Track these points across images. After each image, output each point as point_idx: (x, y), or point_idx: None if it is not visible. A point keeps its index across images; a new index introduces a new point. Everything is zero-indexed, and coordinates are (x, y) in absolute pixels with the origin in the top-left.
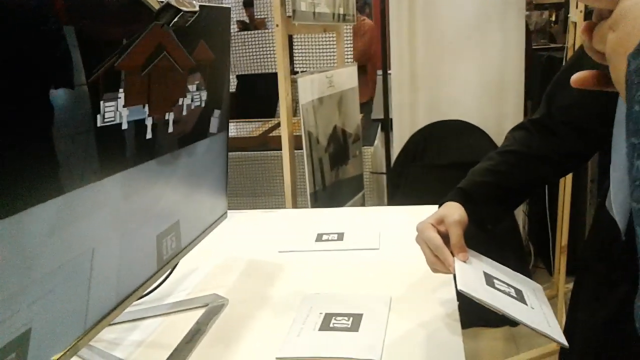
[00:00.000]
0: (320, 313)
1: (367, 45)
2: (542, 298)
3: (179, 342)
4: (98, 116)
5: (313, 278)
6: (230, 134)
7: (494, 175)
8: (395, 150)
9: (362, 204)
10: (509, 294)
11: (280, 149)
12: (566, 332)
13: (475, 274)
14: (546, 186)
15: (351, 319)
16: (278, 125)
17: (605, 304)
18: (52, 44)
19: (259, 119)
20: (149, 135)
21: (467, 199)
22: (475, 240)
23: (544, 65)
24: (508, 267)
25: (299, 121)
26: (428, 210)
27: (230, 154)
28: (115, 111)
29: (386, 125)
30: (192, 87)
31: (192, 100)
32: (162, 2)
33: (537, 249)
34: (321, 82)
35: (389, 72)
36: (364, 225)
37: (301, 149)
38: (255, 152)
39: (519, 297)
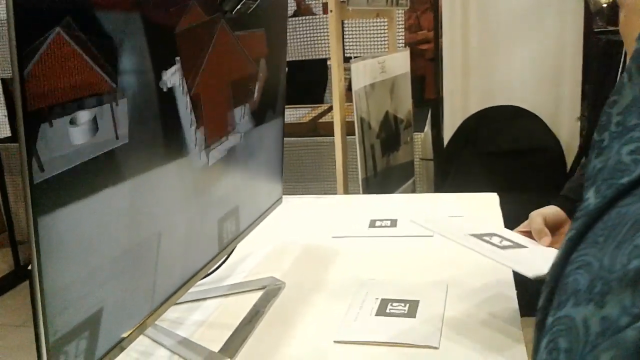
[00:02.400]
0: (377, 298)
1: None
2: None
3: (239, 322)
4: (168, 105)
5: (367, 264)
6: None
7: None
8: (447, 136)
9: (413, 190)
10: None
11: (331, 135)
12: None
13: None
14: None
15: (408, 305)
16: (327, 111)
17: None
18: (124, 35)
19: (308, 105)
20: (219, 124)
21: (565, 201)
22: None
23: (602, 49)
24: None
25: (350, 107)
26: (481, 198)
27: None
28: (183, 99)
29: (436, 110)
30: (254, 74)
31: (254, 88)
32: None
33: None
34: (373, 67)
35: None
36: (417, 212)
37: (352, 135)
38: (305, 138)
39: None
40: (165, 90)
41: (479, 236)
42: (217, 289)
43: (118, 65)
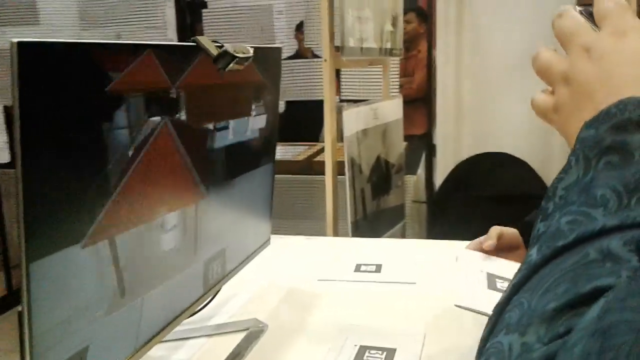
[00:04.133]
0: (355, 345)
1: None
2: None
3: None
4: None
5: (350, 308)
6: (276, 156)
7: None
8: (439, 180)
9: (403, 233)
10: None
11: (324, 174)
12: None
13: (477, 279)
14: None
15: (385, 353)
16: (323, 150)
17: None
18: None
19: (305, 143)
20: (207, 167)
21: (527, 228)
22: None
23: None
24: None
25: (342, 148)
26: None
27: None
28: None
29: (429, 154)
30: (247, 121)
31: (246, 134)
32: (219, 47)
33: None
34: (366, 114)
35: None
36: (402, 258)
37: (343, 175)
38: (299, 176)
39: None
40: (153, 141)
41: (493, 277)
42: (201, 329)
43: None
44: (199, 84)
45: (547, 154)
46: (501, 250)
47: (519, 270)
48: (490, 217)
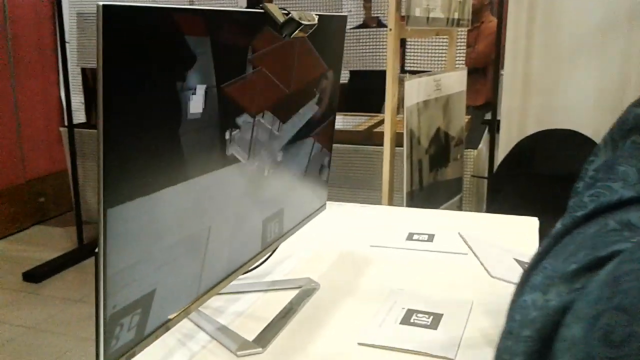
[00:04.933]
0: (403, 308)
1: (490, 47)
2: None
3: (274, 317)
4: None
5: (400, 274)
6: (337, 126)
7: None
8: (500, 155)
9: (459, 207)
10: None
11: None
12: None
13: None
14: None
15: (432, 317)
16: (383, 121)
17: None
18: (195, 53)
19: (366, 114)
20: (273, 132)
21: None
22: None
23: None
24: None
25: (402, 119)
26: (525, 222)
27: (335, 145)
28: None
29: (493, 128)
30: (312, 88)
31: (310, 101)
32: (286, 14)
33: None
34: (428, 85)
35: (501, 73)
36: (456, 230)
37: (402, 146)
38: (358, 146)
39: None
40: (229, 102)
41: (522, 263)
42: (257, 284)
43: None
44: (269, 48)
45: None
46: None
47: (545, 237)
48: (551, 196)
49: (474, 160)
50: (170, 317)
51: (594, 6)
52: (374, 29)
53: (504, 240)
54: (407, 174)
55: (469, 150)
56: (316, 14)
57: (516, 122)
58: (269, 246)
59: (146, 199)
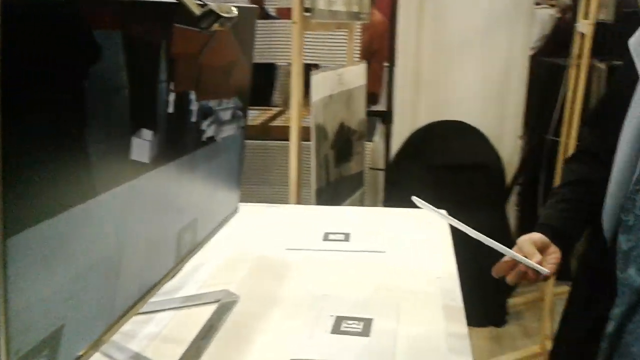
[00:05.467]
0: (331, 315)
1: (373, 40)
2: None
3: (193, 338)
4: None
5: (321, 278)
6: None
7: (563, 204)
8: (395, 147)
9: (361, 201)
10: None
11: (281, 139)
12: (557, 335)
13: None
14: (538, 184)
15: (362, 323)
16: (278, 115)
17: (587, 318)
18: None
19: (260, 107)
20: (185, 135)
21: (544, 228)
22: (463, 238)
23: (546, 71)
24: (493, 261)
25: (303, 113)
26: (432, 215)
27: None
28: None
29: (389, 121)
30: (225, 87)
31: (220, 103)
32: (203, 5)
33: None
34: (332, 79)
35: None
36: (370, 227)
37: (305, 141)
38: (255, 141)
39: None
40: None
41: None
42: (171, 301)
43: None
44: (184, 42)
45: (500, 122)
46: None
47: (620, 293)
48: (445, 186)
49: (371, 153)
50: (81, 352)
51: (479, 2)
52: (269, 21)
53: (420, 234)
54: (315, 171)
55: (365, 142)
56: (233, 6)
57: (409, 115)
58: (182, 260)
59: (51, 222)
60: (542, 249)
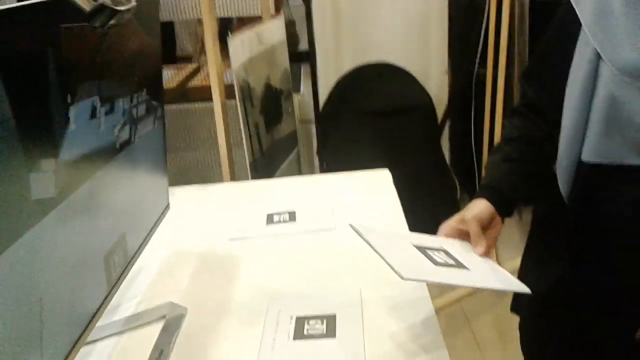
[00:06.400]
0: (291, 317)
1: None
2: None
3: None
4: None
5: (272, 272)
6: (164, 114)
7: (508, 163)
8: (322, 96)
9: (298, 161)
10: (447, 264)
11: (201, 100)
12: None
13: (409, 253)
14: (472, 113)
15: (325, 321)
16: (195, 73)
17: (547, 275)
18: None
19: (173, 65)
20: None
21: (492, 192)
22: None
23: (467, 2)
24: (435, 199)
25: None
26: (374, 175)
27: None
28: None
29: (314, 71)
30: (133, 82)
31: (132, 100)
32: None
33: (462, 182)
34: (251, 40)
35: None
36: (313, 199)
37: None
38: (174, 105)
39: (458, 264)
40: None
41: (423, 248)
42: (110, 326)
43: None
44: (70, 48)
45: (425, 61)
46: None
47: None
48: (379, 131)
49: (299, 105)
50: None
51: None
52: None
53: (367, 201)
54: (246, 144)
55: (293, 94)
56: None
57: (332, 62)
58: (116, 283)
59: None
60: (487, 225)
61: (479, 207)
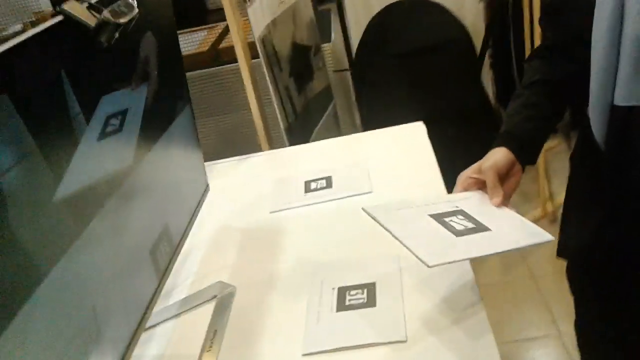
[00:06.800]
0: (333, 288)
1: None
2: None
3: (199, 351)
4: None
5: (313, 241)
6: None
7: (528, 109)
8: (354, 42)
9: (335, 114)
10: (468, 230)
11: (235, 62)
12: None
13: (429, 230)
14: (512, 49)
15: (365, 291)
16: (225, 32)
17: (588, 220)
18: None
19: (204, 27)
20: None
21: (510, 140)
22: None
23: None
24: (482, 138)
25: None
26: (408, 130)
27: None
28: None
29: (342, 17)
30: (148, 83)
31: (152, 95)
32: (94, 8)
33: None
34: (271, 2)
35: None
36: (349, 161)
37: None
38: (208, 69)
39: (479, 226)
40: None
41: (440, 217)
42: (166, 310)
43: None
44: (85, 66)
45: None
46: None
47: None
48: (416, 71)
49: (332, 54)
50: None
51: None
52: None
53: (402, 159)
54: (279, 110)
55: (324, 45)
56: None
57: (361, 4)
58: (165, 271)
59: (14, 322)
60: (507, 170)
61: (497, 156)
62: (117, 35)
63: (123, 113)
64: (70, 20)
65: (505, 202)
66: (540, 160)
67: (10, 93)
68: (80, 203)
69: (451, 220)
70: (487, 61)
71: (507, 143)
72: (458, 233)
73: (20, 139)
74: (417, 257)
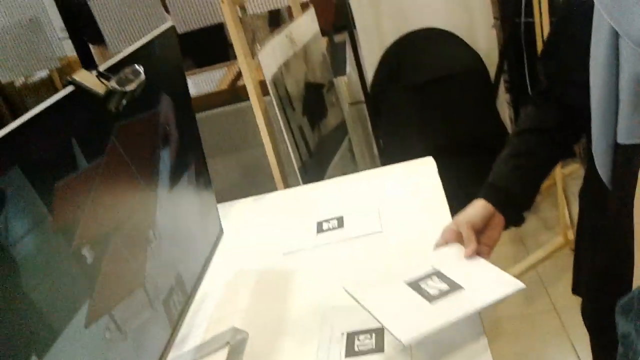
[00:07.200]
0: (342, 334)
1: None
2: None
3: None
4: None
5: (324, 284)
6: (193, 91)
7: (516, 158)
8: (369, 72)
9: (350, 148)
10: (442, 293)
11: None
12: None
13: (404, 301)
14: (526, 71)
15: (373, 335)
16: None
17: (599, 254)
18: None
19: (222, 64)
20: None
21: (494, 192)
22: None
23: None
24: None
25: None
26: (418, 165)
27: (199, 115)
28: None
29: (355, 48)
30: (162, 142)
31: (167, 153)
32: (103, 77)
33: None
34: (282, 44)
35: None
36: (360, 200)
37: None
38: (226, 107)
39: (452, 287)
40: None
41: (416, 282)
42: (180, 358)
43: None
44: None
45: (469, 17)
46: (479, 234)
47: None
48: (431, 102)
49: (347, 87)
50: None
51: None
52: None
53: (411, 196)
54: (292, 149)
55: (338, 78)
56: (138, 47)
57: (374, 35)
58: (179, 319)
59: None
60: (482, 227)
61: (472, 210)
62: (124, 102)
63: (133, 166)
64: (80, 90)
65: (486, 253)
66: (559, 185)
67: (21, 165)
68: (93, 264)
69: (427, 285)
70: (502, 85)
71: (488, 196)
72: (432, 298)
73: (33, 208)
74: (392, 334)
